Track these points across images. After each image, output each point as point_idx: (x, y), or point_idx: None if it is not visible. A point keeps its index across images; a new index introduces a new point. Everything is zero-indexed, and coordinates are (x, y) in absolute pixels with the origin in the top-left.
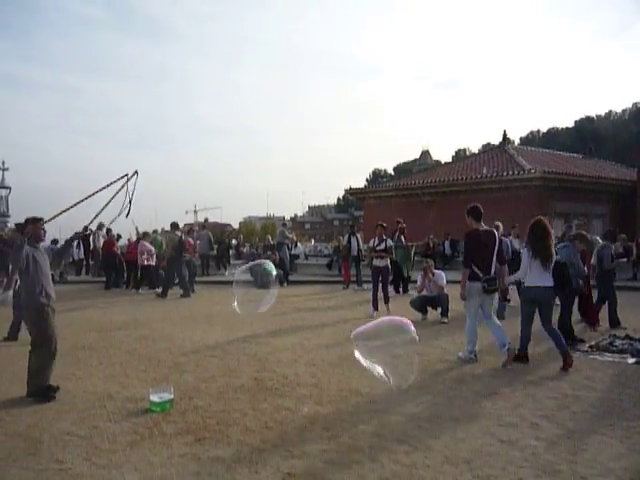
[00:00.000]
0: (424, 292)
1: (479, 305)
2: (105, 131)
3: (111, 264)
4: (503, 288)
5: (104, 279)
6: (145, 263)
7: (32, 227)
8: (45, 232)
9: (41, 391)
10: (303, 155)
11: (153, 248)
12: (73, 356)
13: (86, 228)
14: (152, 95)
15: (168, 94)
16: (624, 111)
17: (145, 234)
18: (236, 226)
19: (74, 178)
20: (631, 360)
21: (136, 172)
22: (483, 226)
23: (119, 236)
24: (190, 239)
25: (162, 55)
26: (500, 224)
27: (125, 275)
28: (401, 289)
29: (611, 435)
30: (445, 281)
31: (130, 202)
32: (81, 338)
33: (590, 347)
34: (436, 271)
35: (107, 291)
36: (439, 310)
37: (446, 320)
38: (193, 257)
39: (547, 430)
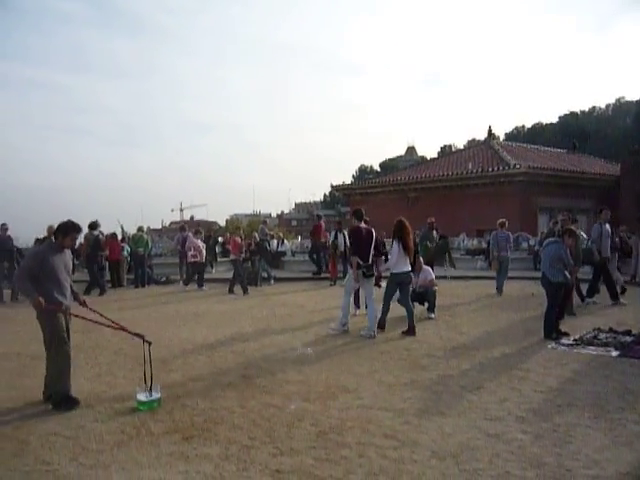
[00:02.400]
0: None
1: (357, 287)
2: (90, 129)
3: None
4: (378, 275)
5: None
6: (192, 260)
7: (70, 237)
8: (74, 242)
9: (63, 399)
10: (289, 152)
11: (202, 244)
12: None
13: None
14: (137, 92)
15: (154, 91)
16: (608, 106)
17: (197, 232)
18: (222, 223)
19: (59, 176)
20: (615, 353)
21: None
22: (364, 225)
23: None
24: (238, 238)
25: (147, 52)
26: (505, 221)
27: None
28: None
29: (596, 428)
30: (434, 276)
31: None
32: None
33: (575, 341)
34: (424, 266)
35: (98, 292)
36: (426, 305)
37: (433, 316)
38: (238, 256)
39: (533, 423)
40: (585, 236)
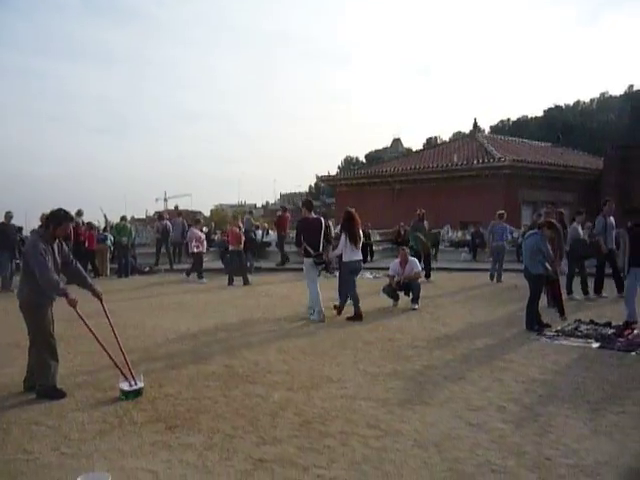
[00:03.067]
0: (396, 278)
1: (317, 274)
2: (72, 116)
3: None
4: (328, 261)
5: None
6: (195, 250)
7: (63, 227)
8: (67, 233)
9: (48, 392)
10: (276, 141)
11: (203, 235)
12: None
13: None
14: (125, 80)
15: (142, 79)
16: (592, 101)
17: (197, 221)
18: (207, 214)
19: (43, 164)
20: (595, 345)
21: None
22: (313, 215)
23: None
24: (236, 229)
25: (131, 39)
26: (504, 212)
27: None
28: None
29: (576, 417)
30: (420, 268)
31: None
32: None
33: (556, 332)
34: (410, 258)
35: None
36: (410, 296)
37: (417, 307)
38: (237, 247)
39: (514, 413)
40: (581, 231)
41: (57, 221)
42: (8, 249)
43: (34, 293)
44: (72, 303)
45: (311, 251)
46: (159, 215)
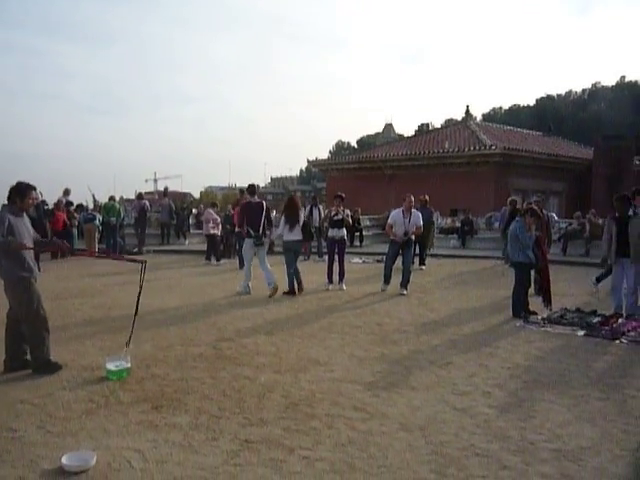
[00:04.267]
0: (401, 229)
1: (253, 254)
2: (61, 94)
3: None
4: (270, 242)
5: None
6: (211, 232)
7: (28, 197)
8: (34, 202)
9: (44, 365)
10: (267, 125)
11: (218, 217)
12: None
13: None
14: (115, 59)
15: (135, 59)
16: (584, 91)
17: (213, 204)
18: (197, 195)
19: (28, 142)
20: (581, 333)
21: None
22: (256, 199)
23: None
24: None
25: (126, 18)
26: (516, 199)
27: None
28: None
29: (560, 403)
30: (421, 222)
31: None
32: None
33: (542, 319)
34: (413, 210)
35: (60, 260)
36: (399, 281)
37: (405, 292)
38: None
39: (499, 398)
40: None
41: (22, 193)
42: None
43: (15, 267)
44: (19, 246)
45: (252, 232)
46: (138, 194)
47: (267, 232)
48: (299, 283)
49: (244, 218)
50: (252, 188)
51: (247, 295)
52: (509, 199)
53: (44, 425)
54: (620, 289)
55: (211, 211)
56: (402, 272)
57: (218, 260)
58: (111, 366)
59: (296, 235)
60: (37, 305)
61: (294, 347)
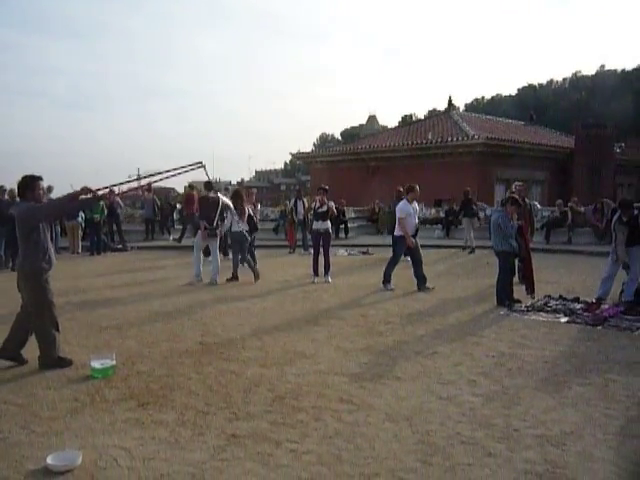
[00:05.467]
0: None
1: (205, 244)
2: (42, 91)
3: None
4: (221, 236)
5: None
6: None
7: (34, 187)
8: (44, 193)
9: (55, 362)
10: (250, 118)
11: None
12: (10, 323)
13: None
14: (92, 53)
15: (115, 54)
16: (565, 80)
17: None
18: (181, 190)
19: (9, 140)
20: (564, 319)
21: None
22: (212, 194)
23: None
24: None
25: (103, 12)
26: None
27: None
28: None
29: (543, 390)
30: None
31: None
32: (19, 305)
33: (526, 307)
34: (415, 202)
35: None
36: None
37: (430, 287)
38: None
39: (484, 386)
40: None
41: (31, 185)
42: (1, 226)
43: (36, 260)
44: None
45: (206, 225)
46: (110, 190)
47: (219, 225)
48: (254, 271)
49: (202, 212)
50: (208, 185)
51: (198, 282)
52: (515, 184)
53: (28, 425)
54: (613, 279)
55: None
56: (416, 267)
57: (226, 255)
58: (96, 364)
59: (242, 225)
60: (49, 301)
61: (280, 341)
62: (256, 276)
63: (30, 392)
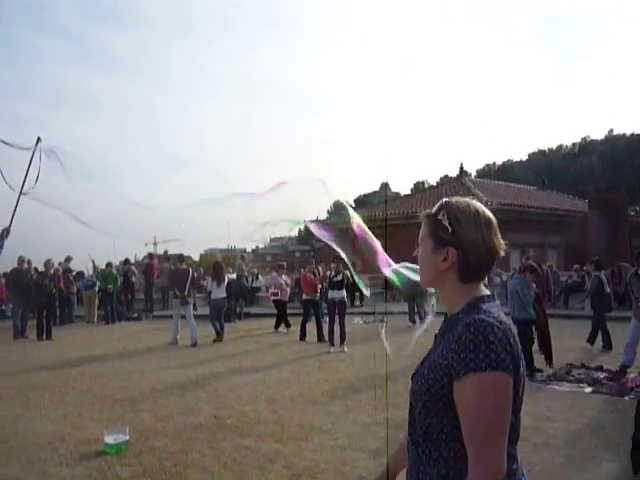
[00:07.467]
0: None
1: (181, 311)
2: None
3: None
4: (193, 303)
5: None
6: (273, 298)
7: None
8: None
9: None
10: (263, 186)
11: (283, 281)
12: (23, 396)
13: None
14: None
15: (129, 126)
16: (574, 145)
17: (279, 266)
18: (197, 258)
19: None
20: (588, 389)
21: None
22: (184, 266)
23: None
24: (311, 275)
25: (121, 88)
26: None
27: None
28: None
29: (570, 466)
30: None
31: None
32: (32, 377)
33: (548, 377)
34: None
35: (61, 326)
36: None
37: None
38: (313, 296)
39: None
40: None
41: None
42: (21, 295)
43: None
44: None
45: (178, 294)
46: (125, 260)
47: (192, 294)
48: (218, 333)
49: (174, 282)
50: (181, 257)
51: (174, 345)
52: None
53: None
54: (636, 344)
55: (276, 276)
56: None
57: (288, 326)
58: (109, 439)
59: (222, 293)
60: None
61: (296, 414)
62: (218, 339)
63: (42, 469)
